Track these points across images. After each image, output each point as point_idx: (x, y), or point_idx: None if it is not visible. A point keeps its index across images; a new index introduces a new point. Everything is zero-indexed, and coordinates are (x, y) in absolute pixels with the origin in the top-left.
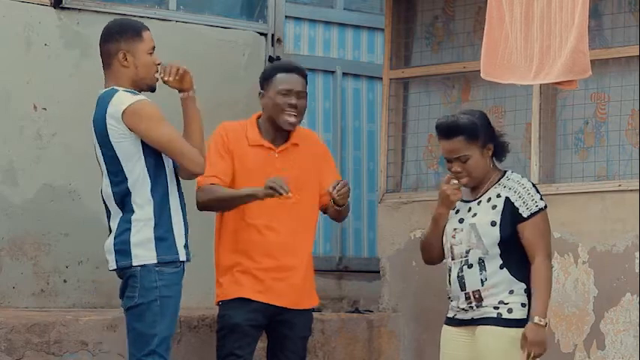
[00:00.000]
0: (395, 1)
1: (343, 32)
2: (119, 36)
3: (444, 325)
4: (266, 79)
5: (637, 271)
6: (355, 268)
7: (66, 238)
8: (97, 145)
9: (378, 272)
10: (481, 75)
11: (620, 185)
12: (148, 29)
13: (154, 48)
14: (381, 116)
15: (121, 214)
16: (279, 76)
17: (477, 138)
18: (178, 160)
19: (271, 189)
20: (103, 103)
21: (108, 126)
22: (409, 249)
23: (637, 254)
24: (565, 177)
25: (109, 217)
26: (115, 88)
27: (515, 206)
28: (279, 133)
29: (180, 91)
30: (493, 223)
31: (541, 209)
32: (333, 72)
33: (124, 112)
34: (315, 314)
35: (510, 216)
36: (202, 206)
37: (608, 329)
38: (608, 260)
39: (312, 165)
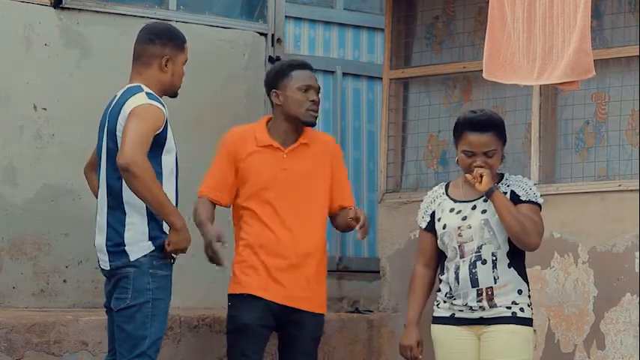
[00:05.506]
0: (395, 1)
1: (343, 32)
2: (167, 41)
3: (441, 325)
4: (281, 77)
5: (637, 271)
6: (355, 268)
7: (66, 238)
8: (105, 136)
9: (378, 272)
10: (484, 75)
11: (620, 185)
12: (186, 41)
13: (186, 60)
14: (381, 116)
15: (111, 210)
16: (296, 72)
17: (503, 135)
18: (122, 144)
19: (211, 256)
20: (124, 96)
21: (119, 119)
22: (409, 249)
23: (637, 254)
24: (565, 177)
25: (98, 209)
26: (142, 86)
27: (517, 194)
28: (289, 135)
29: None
30: None
31: (538, 203)
32: (333, 72)
33: (132, 109)
34: None
35: (512, 203)
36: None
37: (608, 329)
38: (608, 260)
39: (322, 167)
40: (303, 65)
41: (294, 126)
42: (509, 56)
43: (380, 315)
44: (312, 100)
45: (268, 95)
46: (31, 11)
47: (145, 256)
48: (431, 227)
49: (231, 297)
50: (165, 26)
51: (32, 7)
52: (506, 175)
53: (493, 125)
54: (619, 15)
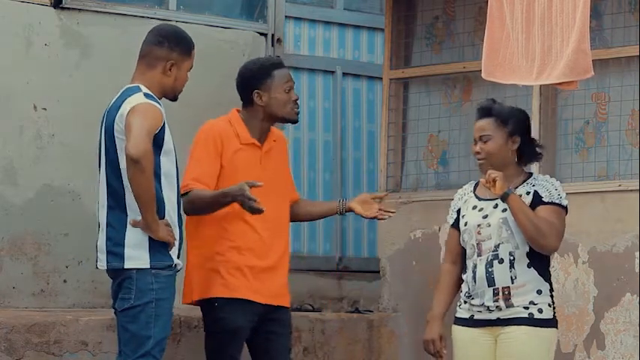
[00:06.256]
0: (395, 1)
1: (343, 32)
2: (175, 46)
3: (460, 327)
4: (263, 78)
5: (637, 271)
6: (355, 268)
7: (66, 238)
8: (103, 136)
9: (378, 272)
10: (482, 75)
11: (620, 185)
12: (194, 47)
13: (192, 67)
14: (381, 116)
15: (111, 210)
16: (277, 72)
17: (505, 124)
18: (127, 138)
19: (250, 203)
20: (122, 96)
21: (116, 119)
22: (409, 249)
23: (637, 254)
24: (565, 177)
25: (99, 209)
26: (140, 87)
27: (540, 195)
28: (264, 132)
29: None
30: None
31: (562, 205)
32: (333, 72)
33: (132, 107)
34: (315, 314)
35: (534, 204)
36: (187, 213)
37: (608, 329)
38: (608, 260)
39: (284, 163)
40: (281, 64)
41: (270, 124)
42: (508, 56)
43: (380, 315)
44: (295, 100)
45: (245, 93)
46: (31, 11)
47: (138, 269)
48: (457, 224)
49: (219, 299)
50: (175, 30)
51: (32, 7)
52: (534, 175)
53: (492, 112)
54: (619, 15)
